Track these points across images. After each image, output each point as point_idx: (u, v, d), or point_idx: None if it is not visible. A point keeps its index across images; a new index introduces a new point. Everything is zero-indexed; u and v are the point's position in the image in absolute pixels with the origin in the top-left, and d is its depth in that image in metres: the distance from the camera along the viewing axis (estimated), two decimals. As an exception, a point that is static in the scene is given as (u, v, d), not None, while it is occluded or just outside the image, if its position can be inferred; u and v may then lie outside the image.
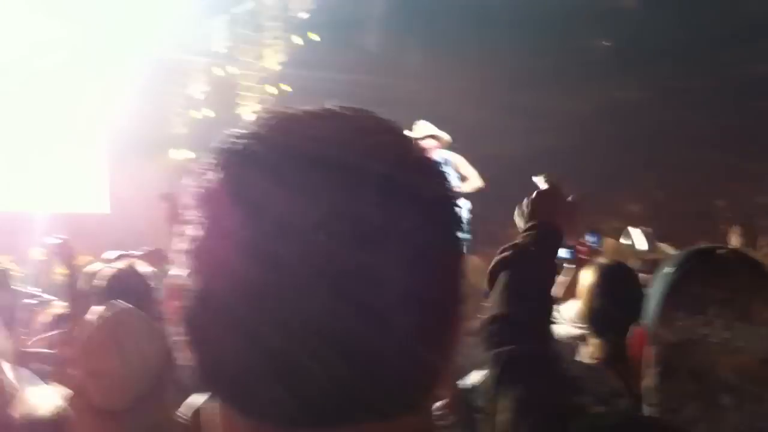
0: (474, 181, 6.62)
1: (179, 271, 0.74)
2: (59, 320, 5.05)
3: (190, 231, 0.72)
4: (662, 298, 1.54)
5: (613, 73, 17.10)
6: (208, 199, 0.72)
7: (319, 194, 0.66)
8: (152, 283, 4.19)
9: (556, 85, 16.33)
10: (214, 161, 0.76)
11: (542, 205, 2.17)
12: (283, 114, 0.82)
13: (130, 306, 2.72)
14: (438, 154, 6.60)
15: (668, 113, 16.36)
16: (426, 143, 6.63)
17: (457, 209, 0.76)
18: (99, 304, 3.62)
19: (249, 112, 16.99)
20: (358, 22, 16.78)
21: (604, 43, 18.95)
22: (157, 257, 5.36)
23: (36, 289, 5.82)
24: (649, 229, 4.28)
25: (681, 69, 16.30)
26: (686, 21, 16.13)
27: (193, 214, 0.73)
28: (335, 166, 0.68)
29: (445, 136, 6.73)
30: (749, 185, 14.46)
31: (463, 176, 6.59)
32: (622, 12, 18.33)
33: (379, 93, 15.60)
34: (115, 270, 3.98)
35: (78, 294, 5.01)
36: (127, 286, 3.71)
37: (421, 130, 6.69)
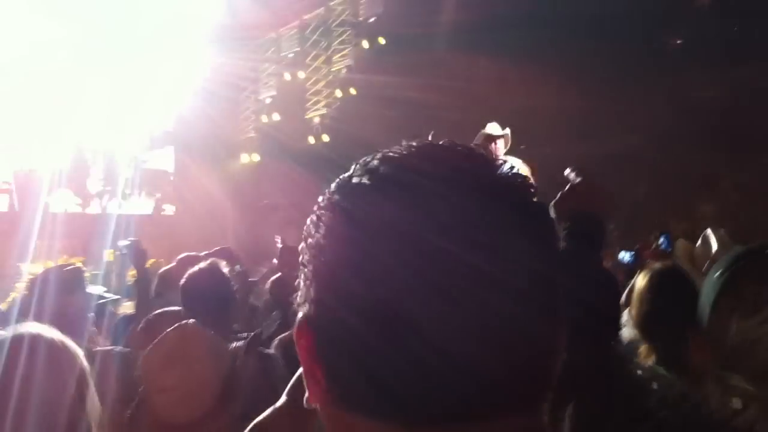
0: None
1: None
2: (129, 320, 5.12)
3: (329, 248, 0.75)
4: (716, 302, 1.52)
5: (689, 71, 16.66)
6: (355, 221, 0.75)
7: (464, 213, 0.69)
8: (234, 283, 4.18)
9: (631, 85, 16.01)
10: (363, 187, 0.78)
11: (575, 199, 2.10)
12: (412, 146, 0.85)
13: (195, 322, 2.71)
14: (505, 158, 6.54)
15: (742, 112, 15.86)
16: (499, 143, 6.57)
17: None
18: (181, 303, 3.66)
19: (317, 115, 17.27)
20: (424, 27, 16.76)
21: (677, 41, 18.52)
22: (226, 256, 5.36)
23: (105, 289, 5.95)
24: (722, 231, 4.09)
25: (758, 68, 15.75)
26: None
27: (333, 234, 0.76)
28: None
29: (508, 133, 6.67)
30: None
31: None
32: (695, 11, 17.88)
33: (443, 97, 15.69)
34: (197, 270, 3.87)
35: (147, 295, 5.07)
36: (209, 285, 3.68)
37: (491, 130, 6.62)
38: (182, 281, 3.73)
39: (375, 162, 0.79)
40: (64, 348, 1.61)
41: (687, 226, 13.54)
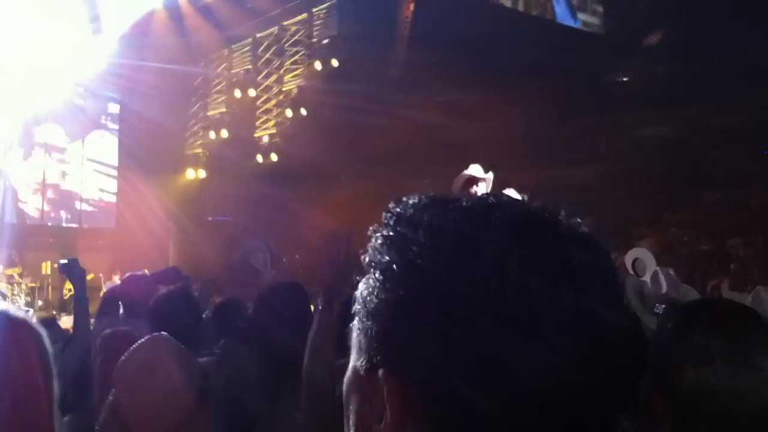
0: None
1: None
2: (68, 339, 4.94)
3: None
4: (669, 350, 1.58)
5: (635, 110, 17.06)
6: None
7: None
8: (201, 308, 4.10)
9: (578, 121, 16.33)
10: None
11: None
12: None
13: (166, 334, 2.68)
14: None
15: (685, 151, 16.29)
16: (480, 186, 6.55)
17: None
18: (149, 324, 3.55)
19: (266, 134, 17.13)
20: (379, 50, 16.84)
21: (625, 79, 18.98)
22: (174, 276, 5.21)
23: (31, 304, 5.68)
24: (671, 270, 4.13)
25: (701, 108, 16.22)
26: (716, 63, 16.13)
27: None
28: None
29: (491, 177, 6.66)
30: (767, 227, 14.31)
31: None
32: (647, 51, 18.36)
33: (394, 122, 15.73)
34: (168, 292, 3.87)
35: (88, 313, 4.90)
36: (177, 309, 3.62)
37: (473, 172, 6.58)
38: (152, 304, 3.72)
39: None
40: (28, 326, 1.56)
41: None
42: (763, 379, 1.44)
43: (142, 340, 2.56)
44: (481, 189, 6.56)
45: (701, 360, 1.48)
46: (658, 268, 4.11)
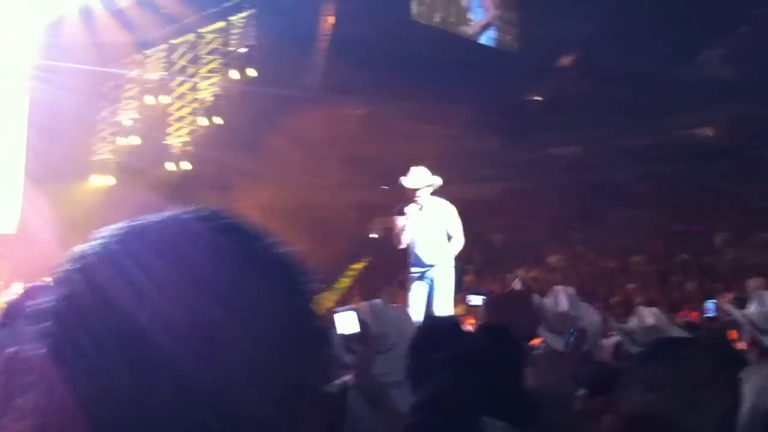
0: (458, 239, 6.46)
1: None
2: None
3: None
4: (627, 379, 1.65)
5: (546, 128, 17.51)
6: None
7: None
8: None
9: (492, 137, 16.66)
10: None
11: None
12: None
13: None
14: (431, 200, 6.52)
15: (594, 169, 16.79)
16: (422, 191, 6.50)
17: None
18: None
19: (178, 141, 16.82)
20: (296, 61, 16.81)
21: (538, 98, 19.47)
22: None
23: None
24: (572, 289, 4.24)
25: (611, 128, 16.77)
26: (628, 80, 16.70)
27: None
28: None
29: (439, 181, 6.61)
30: (671, 243, 14.83)
31: (453, 230, 6.45)
32: (559, 72, 18.89)
33: (312, 133, 15.71)
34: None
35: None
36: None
37: (419, 180, 6.52)
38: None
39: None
40: None
41: (536, 274, 14.08)
42: (707, 418, 1.48)
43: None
44: (425, 193, 6.57)
45: (652, 385, 1.52)
46: (559, 287, 4.22)
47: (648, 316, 4.08)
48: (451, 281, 6.62)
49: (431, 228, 6.55)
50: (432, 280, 6.56)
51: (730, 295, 9.77)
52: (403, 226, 6.50)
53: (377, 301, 3.94)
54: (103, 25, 15.39)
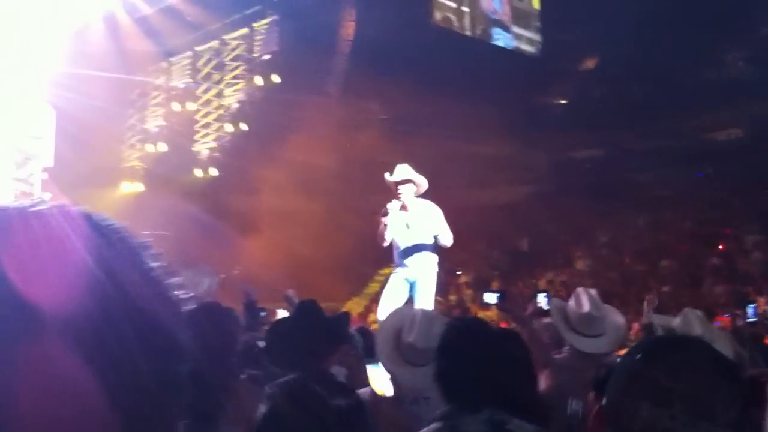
0: (446, 238, 6.47)
1: None
2: None
3: None
4: (627, 384, 1.51)
5: (570, 131, 17.48)
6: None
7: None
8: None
9: (516, 142, 16.64)
10: None
11: None
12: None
13: None
14: (415, 201, 6.54)
15: (618, 172, 16.76)
16: (405, 188, 6.53)
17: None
18: None
19: (205, 148, 16.95)
20: (319, 67, 16.90)
21: (561, 101, 19.45)
22: None
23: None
24: (594, 291, 4.26)
25: (633, 131, 16.74)
26: (649, 84, 16.66)
27: None
28: None
29: (423, 181, 6.61)
30: (699, 246, 14.78)
31: (439, 230, 6.45)
32: (581, 75, 18.86)
33: (335, 139, 15.79)
34: None
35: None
36: None
37: (400, 173, 6.55)
38: None
39: None
40: None
41: (564, 278, 14.08)
42: None
43: None
44: (407, 191, 6.61)
45: (660, 401, 1.42)
46: (580, 288, 4.24)
47: (695, 322, 4.04)
48: (432, 282, 6.60)
49: (414, 227, 6.56)
50: (414, 280, 6.59)
51: (762, 299, 9.77)
52: (385, 224, 6.51)
53: (427, 310, 3.94)
54: (128, 33, 15.53)
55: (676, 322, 4.10)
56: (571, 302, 4.11)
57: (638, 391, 1.45)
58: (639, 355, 1.53)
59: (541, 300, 5.33)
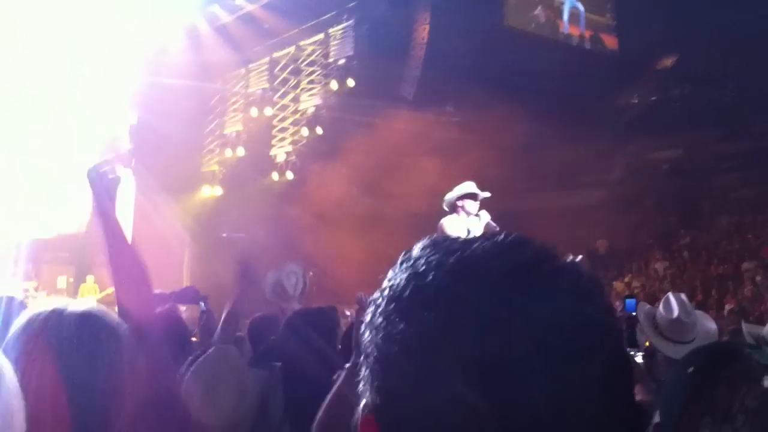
0: None
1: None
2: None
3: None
4: (685, 400, 1.46)
5: (646, 133, 17.13)
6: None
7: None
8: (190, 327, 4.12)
9: (591, 144, 16.39)
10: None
11: None
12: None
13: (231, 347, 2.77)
14: (475, 209, 6.61)
15: (696, 175, 16.34)
16: (468, 203, 6.61)
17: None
18: None
19: (282, 152, 17.27)
20: (394, 71, 17.01)
21: (636, 102, 19.07)
22: (192, 295, 5.04)
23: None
24: (683, 295, 4.17)
25: (711, 132, 16.30)
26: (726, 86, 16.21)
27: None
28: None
29: (485, 195, 6.67)
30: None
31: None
32: (659, 75, 18.46)
33: (410, 143, 15.85)
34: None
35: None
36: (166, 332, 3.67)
37: (465, 188, 6.63)
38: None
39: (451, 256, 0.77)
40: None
41: (643, 281, 13.83)
42: None
43: (209, 352, 2.64)
44: (470, 206, 6.64)
45: (723, 417, 1.37)
46: (670, 293, 4.16)
47: None
48: None
49: (475, 232, 6.56)
50: None
51: None
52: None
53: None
54: (208, 42, 15.98)
55: (766, 329, 3.99)
56: (660, 307, 4.04)
57: (696, 410, 1.41)
58: (692, 369, 1.50)
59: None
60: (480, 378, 0.68)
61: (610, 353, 0.72)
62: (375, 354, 0.75)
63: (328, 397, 2.12)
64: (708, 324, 3.99)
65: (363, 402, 0.76)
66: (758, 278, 12.75)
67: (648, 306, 4.33)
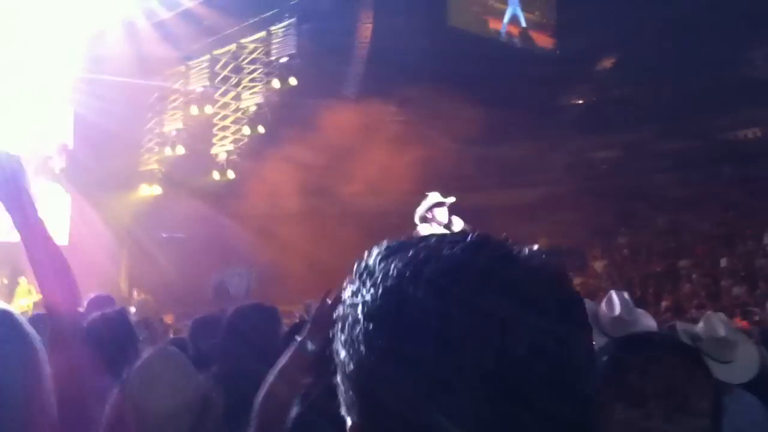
0: None
1: None
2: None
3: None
4: (599, 389, 1.51)
5: (587, 132, 17.43)
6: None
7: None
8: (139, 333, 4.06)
9: (530, 143, 16.62)
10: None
11: None
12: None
13: (173, 348, 2.70)
14: (445, 217, 6.71)
15: (636, 173, 16.69)
16: (437, 212, 6.70)
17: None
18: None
19: (223, 151, 17.07)
20: (336, 69, 16.97)
21: (578, 102, 19.40)
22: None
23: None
24: (626, 294, 4.25)
25: (651, 132, 16.66)
26: (663, 85, 16.58)
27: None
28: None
29: (450, 200, 6.76)
30: (715, 249, 14.71)
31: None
32: (596, 74, 18.80)
33: (353, 141, 15.82)
34: (103, 314, 3.80)
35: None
36: (115, 333, 3.59)
37: (430, 200, 6.73)
38: (87, 325, 3.63)
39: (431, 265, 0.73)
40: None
41: (582, 279, 14.05)
42: (698, 424, 1.39)
43: (151, 351, 2.61)
44: (440, 214, 6.72)
45: (634, 401, 1.41)
46: (612, 291, 4.22)
47: (719, 325, 4.00)
48: None
49: None
50: None
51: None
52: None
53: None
54: (147, 37, 15.66)
55: (699, 326, 4.07)
56: (603, 305, 4.08)
57: (610, 393, 1.44)
58: (605, 357, 1.53)
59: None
60: (486, 389, 0.66)
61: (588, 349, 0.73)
62: (357, 373, 0.72)
63: (272, 372, 2.15)
64: (648, 321, 4.07)
65: (348, 423, 0.74)
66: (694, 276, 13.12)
67: (590, 303, 4.40)
